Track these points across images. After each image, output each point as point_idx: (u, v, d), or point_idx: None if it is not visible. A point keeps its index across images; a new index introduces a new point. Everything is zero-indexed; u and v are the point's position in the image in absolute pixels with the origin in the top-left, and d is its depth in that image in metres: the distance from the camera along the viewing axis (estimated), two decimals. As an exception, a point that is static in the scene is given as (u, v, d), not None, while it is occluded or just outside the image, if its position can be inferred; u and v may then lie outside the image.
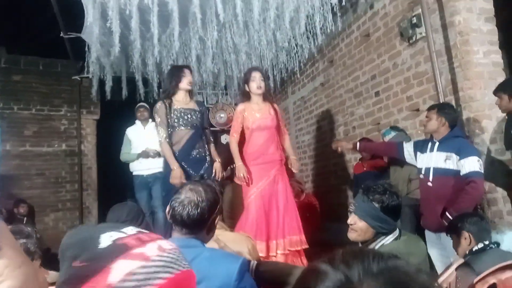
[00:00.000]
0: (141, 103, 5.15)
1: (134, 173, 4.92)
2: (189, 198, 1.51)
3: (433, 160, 2.97)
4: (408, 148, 3.21)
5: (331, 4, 4.21)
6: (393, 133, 3.92)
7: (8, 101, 6.27)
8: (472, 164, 2.74)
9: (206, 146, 3.58)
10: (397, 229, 1.86)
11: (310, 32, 4.81)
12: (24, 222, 5.03)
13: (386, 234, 1.82)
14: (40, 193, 6.36)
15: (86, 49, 4.97)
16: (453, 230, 2.27)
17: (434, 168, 2.96)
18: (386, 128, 4.12)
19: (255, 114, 3.48)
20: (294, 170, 3.69)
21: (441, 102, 3.39)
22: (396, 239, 1.82)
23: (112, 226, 0.66)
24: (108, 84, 5.78)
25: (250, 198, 3.38)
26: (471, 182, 2.70)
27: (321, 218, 5.25)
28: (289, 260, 3.23)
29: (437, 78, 3.44)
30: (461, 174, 2.77)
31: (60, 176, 6.55)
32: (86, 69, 5.40)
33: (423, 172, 3.03)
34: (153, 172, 4.73)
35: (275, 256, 3.21)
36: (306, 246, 3.32)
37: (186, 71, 3.53)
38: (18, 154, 6.25)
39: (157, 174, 4.56)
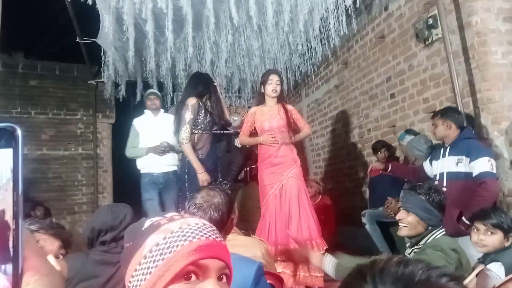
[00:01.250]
0: (152, 90, 4.52)
1: (142, 171, 4.21)
2: (208, 202, 1.52)
3: (446, 165, 2.96)
4: (426, 167, 3.23)
5: (345, 6, 4.18)
6: (408, 137, 3.88)
7: (26, 105, 6.38)
8: (482, 165, 2.71)
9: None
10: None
11: (324, 34, 4.78)
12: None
13: (435, 227, 1.92)
14: (57, 196, 6.45)
15: (102, 53, 5.03)
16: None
17: (447, 173, 2.95)
18: (402, 131, 4.07)
19: (264, 116, 3.48)
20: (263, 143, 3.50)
21: (454, 105, 3.36)
22: (445, 234, 1.93)
23: (159, 214, 0.76)
24: (123, 88, 5.84)
25: (265, 203, 3.37)
26: (482, 184, 2.68)
27: (336, 221, 5.21)
28: (307, 265, 3.14)
29: (454, 80, 3.38)
30: (473, 176, 2.73)
31: (77, 179, 6.64)
32: (101, 74, 5.47)
33: (437, 178, 3.03)
34: (166, 171, 4.10)
35: (285, 261, 3.15)
36: (323, 248, 3.22)
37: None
38: (35, 158, 6.35)
39: (171, 173, 4.09)
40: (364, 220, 4.28)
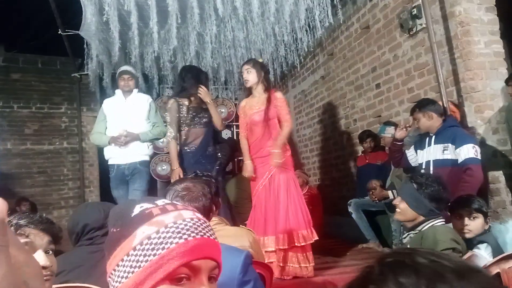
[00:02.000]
0: (126, 68, 3.95)
1: (108, 162, 3.83)
2: (190, 192, 1.52)
3: (432, 153, 3.02)
4: (410, 155, 3.26)
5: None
6: (388, 128, 3.95)
7: (8, 99, 6.27)
8: (467, 152, 2.78)
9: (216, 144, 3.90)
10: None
11: (309, 25, 4.78)
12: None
13: (434, 217, 2.02)
14: (42, 191, 6.37)
15: (85, 46, 4.95)
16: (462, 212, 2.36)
17: (433, 161, 3.00)
18: (380, 125, 4.16)
19: (252, 107, 3.42)
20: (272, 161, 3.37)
21: (437, 94, 3.41)
22: (442, 224, 2.01)
23: (148, 199, 0.72)
24: (108, 81, 5.77)
25: (255, 193, 3.38)
26: (467, 170, 2.74)
27: (323, 211, 5.25)
28: (291, 255, 3.15)
29: (438, 69, 3.42)
30: (458, 162, 2.79)
31: (62, 173, 6.56)
32: (85, 66, 5.39)
33: (423, 166, 3.07)
34: (132, 161, 3.73)
35: (274, 252, 3.14)
36: (313, 239, 3.21)
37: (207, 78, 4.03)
38: (19, 152, 6.26)
39: (137, 164, 3.74)
40: (350, 209, 4.33)
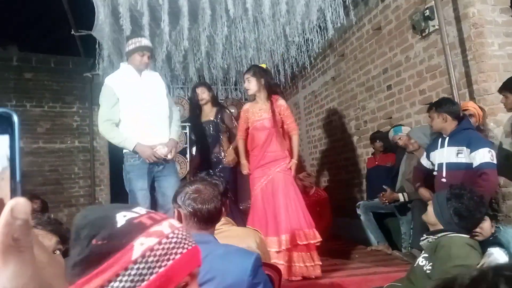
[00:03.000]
0: (145, 42, 3.18)
1: (127, 153, 3.10)
2: (205, 193, 1.53)
3: (445, 155, 2.97)
4: (424, 161, 3.25)
5: (342, -3, 4.17)
6: (404, 128, 3.92)
7: (21, 98, 6.36)
8: (483, 156, 2.73)
9: (222, 149, 4.00)
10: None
11: (320, 26, 4.77)
12: (42, 216, 5.10)
13: (453, 231, 2.03)
14: (54, 189, 6.45)
15: (97, 46, 4.99)
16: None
17: (447, 163, 2.95)
18: (392, 127, 4.12)
19: (255, 114, 3.46)
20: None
21: (450, 96, 3.37)
22: (461, 237, 2.01)
23: (122, 206, 0.69)
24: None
25: (254, 195, 3.40)
26: (482, 174, 2.70)
27: (332, 213, 5.23)
28: (296, 255, 3.17)
29: (450, 71, 3.39)
30: (473, 166, 2.75)
31: (73, 172, 6.63)
32: (97, 66, 5.44)
33: (436, 168, 3.03)
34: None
35: (278, 252, 3.15)
36: (316, 240, 3.22)
37: (198, 89, 4.16)
38: (31, 151, 6.34)
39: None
40: (358, 211, 4.30)
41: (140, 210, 0.68)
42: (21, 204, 0.40)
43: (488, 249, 2.06)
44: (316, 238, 3.21)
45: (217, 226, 1.82)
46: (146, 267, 0.61)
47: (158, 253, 0.62)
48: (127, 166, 3.09)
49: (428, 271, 1.94)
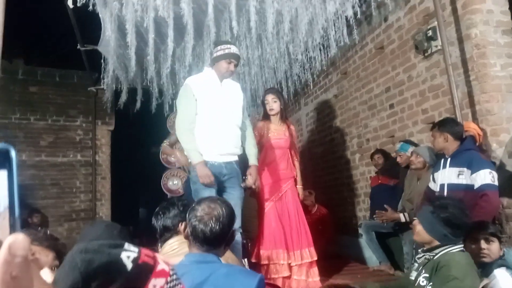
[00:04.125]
0: (234, 50, 3.07)
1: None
2: (209, 214, 1.52)
3: (447, 176, 2.96)
4: (431, 185, 3.21)
5: (345, 16, 4.21)
6: (410, 147, 3.89)
7: (25, 111, 6.39)
8: (484, 177, 2.71)
9: None
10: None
11: (323, 44, 4.81)
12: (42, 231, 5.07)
13: (451, 243, 2.01)
14: (55, 203, 6.43)
15: (102, 60, 5.04)
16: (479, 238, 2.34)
17: (448, 184, 2.94)
18: (400, 143, 4.08)
19: (271, 132, 3.69)
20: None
21: (453, 116, 3.37)
22: (459, 253, 1.99)
23: (115, 245, 0.69)
24: (123, 95, 5.85)
25: (266, 209, 3.53)
26: (483, 196, 2.68)
27: (334, 231, 5.20)
28: (304, 271, 3.40)
29: (453, 91, 3.40)
30: (474, 188, 2.74)
31: (75, 186, 6.63)
32: (101, 81, 5.48)
33: (438, 189, 3.02)
34: (230, 160, 3.00)
35: (290, 266, 3.39)
36: (314, 258, 3.47)
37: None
38: (33, 164, 6.34)
39: (234, 164, 3.03)
40: (360, 230, 4.27)
41: (133, 247, 0.70)
42: (19, 241, 0.39)
43: (494, 270, 2.04)
44: (314, 256, 3.47)
45: (171, 243, 1.81)
46: None
47: None
48: (194, 176, 2.93)
49: None
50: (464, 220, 2.03)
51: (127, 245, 0.69)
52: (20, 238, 0.39)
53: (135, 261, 0.66)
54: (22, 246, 0.39)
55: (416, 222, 2.15)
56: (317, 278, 3.42)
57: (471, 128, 3.22)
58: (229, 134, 2.99)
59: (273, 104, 3.68)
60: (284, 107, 3.80)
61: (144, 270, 0.66)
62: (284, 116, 3.80)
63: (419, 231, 2.09)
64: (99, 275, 0.63)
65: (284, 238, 3.43)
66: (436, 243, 2.02)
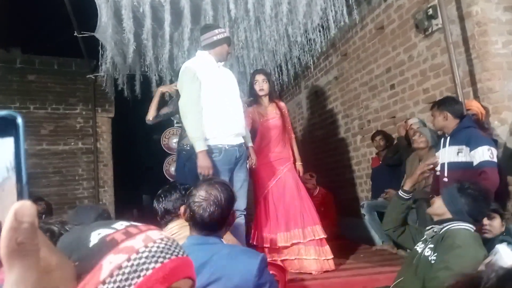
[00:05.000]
0: (227, 29, 3.20)
1: (211, 142, 2.89)
2: (207, 200, 1.52)
3: (446, 155, 2.97)
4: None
5: (344, -4, 4.17)
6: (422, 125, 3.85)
7: (24, 100, 6.38)
8: (482, 154, 2.72)
9: None
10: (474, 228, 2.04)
11: (323, 25, 4.76)
12: (43, 219, 5.11)
13: (462, 221, 2.00)
14: (57, 190, 6.47)
15: (100, 48, 5.00)
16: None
17: (448, 163, 2.95)
18: (413, 118, 4.03)
19: (262, 115, 3.63)
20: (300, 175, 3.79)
21: (454, 95, 3.35)
22: (467, 229, 1.98)
23: (103, 224, 0.64)
24: (122, 82, 5.82)
25: (264, 193, 3.50)
26: (482, 173, 2.69)
27: (336, 212, 5.23)
28: (312, 250, 3.33)
29: (454, 70, 3.37)
30: (473, 165, 2.74)
31: (77, 173, 6.65)
32: (100, 68, 5.45)
33: (439, 168, 3.02)
34: (241, 142, 3.04)
35: (293, 246, 3.34)
36: (322, 235, 3.41)
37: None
38: (35, 153, 6.36)
39: (243, 144, 3.07)
40: (363, 211, 4.30)
41: (119, 226, 0.63)
42: (26, 207, 0.39)
43: (496, 246, 2.05)
44: (321, 234, 3.40)
45: (171, 227, 1.82)
46: (115, 286, 0.55)
47: (126, 270, 0.56)
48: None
49: (432, 261, 1.97)
50: (484, 206, 2.05)
51: (117, 223, 0.64)
52: (27, 205, 0.39)
53: (102, 238, 0.60)
54: (28, 213, 0.39)
55: (436, 197, 2.17)
56: (330, 256, 3.34)
57: (473, 106, 3.21)
58: (238, 114, 3.01)
59: (264, 85, 3.61)
60: (272, 88, 3.79)
61: (105, 246, 0.59)
62: (273, 96, 3.76)
63: (438, 203, 2.11)
64: (63, 249, 0.59)
65: (283, 221, 3.39)
66: (448, 215, 2.04)
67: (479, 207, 2.03)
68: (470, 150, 2.79)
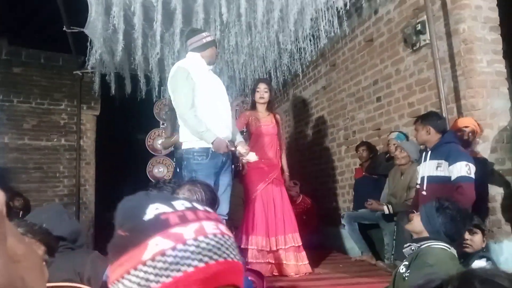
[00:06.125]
0: (212, 36, 3.21)
1: (197, 146, 2.93)
2: (188, 199, 1.51)
3: (427, 169, 3.01)
4: (419, 181, 3.20)
5: (336, 7, 4.20)
6: (404, 138, 3.88)
7: (8, 93, 6.26)
8: (460, 169, 2.76)
9: None
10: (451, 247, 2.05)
11: (313, 35, 4.80)
12: (20, 215, 5.02)
13: (438, 239, 2.02)
14: (37, 187, 6.34)
15: (89, 44, 4.94)
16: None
17: (427, 177, 2.99)
18: (395, 132, 4.06)
19: (258, 120, 3.81)
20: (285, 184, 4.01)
21: (438, 110, 3.40)
22: (444, 249, 2.00)
23: (164, 198, 0.62)
24: (109, 80, 5.76)
25: (252, 198, 3.64)
26: (458, 188, 2.73)
27: (318, 221, 5.24)
28: (292, 256, 3.53)
29: (439, 85, 3.43)
30: (451, 180, 2.78)
31: (58, 170, 6.53)
32: (87, 64, 5.38)
33: (419, 181, 3.07)
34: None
35: (276, 251, 3.53)
36: (299, 243, 3.61)
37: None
38: (16, 147, 6.24)
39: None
40: (343, 221, 4.32)
41: (179, 205, 0.60)
42: None
43: (474, 262, 2.08)
44: (299, 241, 3.62)
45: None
46: (154, 272, 0.53)
47: (169, 260, 0.54)
48: (194, 164, 2.92)
49: (406, 278, 1.98)
50: (462, 226, 2.07)
51: (178, 202, 0.61)
52: None
53: (158, 215, 0.57)
54: None
55: (415, 214, 2.19)
56: (306, 261, 3.56)
57: (470, 124, 3.23)
58: (227, 117, 3.04)
59: (264, 94, 3.81)
60: (272, 99, 3.99)
61: (156, 225, 0.56)
62: (271, 107, 3.97)
63: (415, 221, 2.13)
64: (119, 214, 0.60)
65: (268, 225, 3.56)
66: (426, 234, 2.05)
67: (456, 227, 2.04)
68: (449, 165, 2.83)
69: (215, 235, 0.58)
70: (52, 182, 6.48)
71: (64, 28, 5.03)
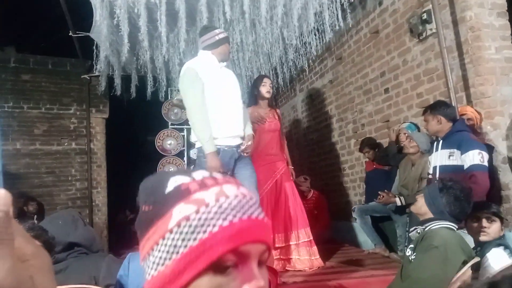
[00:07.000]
0: (224, 33, 3.14)
1: (215, 144, 2.88)
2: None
3: (439, 158, 2.99)
4: (431, 171, 3.18)
5: (340, 1, 4.18)
6: (415, 129, 3.86)
7: (18, 100, 6.34)
8: (472, 158, 2.74)
9: None
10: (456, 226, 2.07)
11: (318, 29, 4.77)
12: (35, 219, 5.08)
13: (443, 219, 2.02)
14: (50, 191, 6.42)
15: (95, 48, 4.98)
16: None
17: (440, 166, 2.97)
18: (407, 122, 4.02)
19: (261, 116, 3.78)
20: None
21: (447, 99, 3.36)
22: (450, 228, 2.01)
23: (183, 172, 0.63)
24: (117, 83, 5.80)
25: (262, 194, 3.60)
26: (472, 177, 2.70)
27: (330, 216, 5.23)
28: (305, 250, 3.55)
29: (447, 75, 3.39)
30: (464, 168, 2.76)
31: (70, 174, 6.61)
32: (95, 68, 5.43)
33: (431, 171, 3.04)
34: (240, 143, 3.01)
35: (287, 247, 3.56)
36: (311, 237, 3.63)
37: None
38: (28, 152, 6.32)
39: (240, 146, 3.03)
40: (354, 215, 4.30)
41: (198, 175, 0.61)
42: (0, 196, 0.39)
43: (490, 251, 2.06)
44: (310, 236, 3.64)
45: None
46: (181, 238, 0.55)
47: (194, 223, 0.55)
48: (205, 162, 2.87)
49: (412, 260, 1.99)
50: (465, 204, 2.04)
51: (197, 172, 0.62)
52: (1, 193, 0.38)
53: (178, 186, 0.59)
54: (3, 202, 0.38)
55: (419, 195, 2.18)
56: (317, 256, 3.58)
57: (468, 111, 3.22)
58: (238, 115, 2.98)
59: (270, 89, 3.84)
60: (273, 93, 4.08)
61: (177, 194, 0.57)
62: (272, 102, 4.02)
63: (420, 202, 2.12)
64: (142, 192, 0.61)
65: (277, 222, 3.58)
66: (429, 215, 2.05)
67: (460, 206, 2.03)
68: (461, 154, 2.80)
69: (236, 196, 0.59)
70: (64, 185, 6.56)
71: (70, 33, 5.07)
